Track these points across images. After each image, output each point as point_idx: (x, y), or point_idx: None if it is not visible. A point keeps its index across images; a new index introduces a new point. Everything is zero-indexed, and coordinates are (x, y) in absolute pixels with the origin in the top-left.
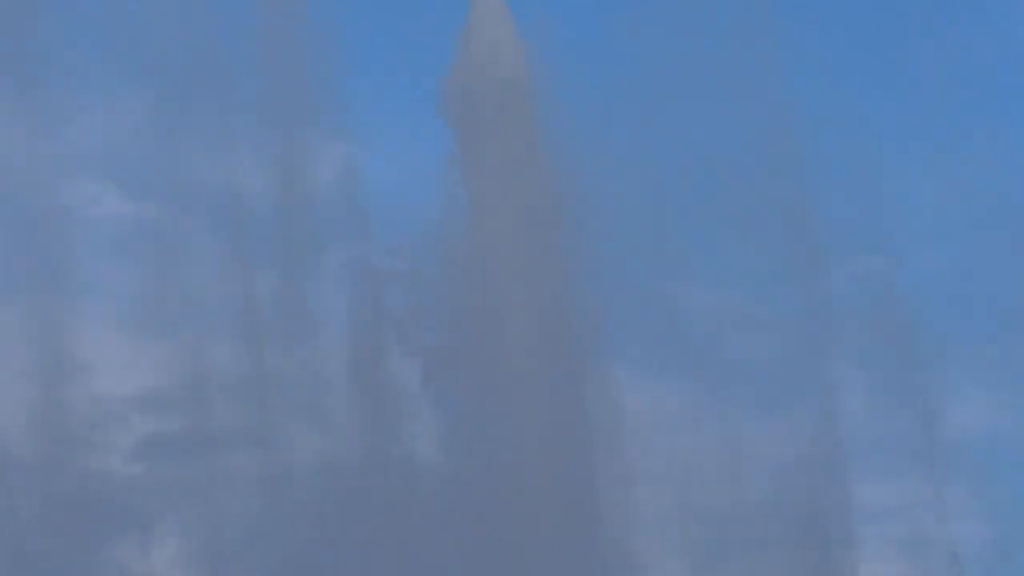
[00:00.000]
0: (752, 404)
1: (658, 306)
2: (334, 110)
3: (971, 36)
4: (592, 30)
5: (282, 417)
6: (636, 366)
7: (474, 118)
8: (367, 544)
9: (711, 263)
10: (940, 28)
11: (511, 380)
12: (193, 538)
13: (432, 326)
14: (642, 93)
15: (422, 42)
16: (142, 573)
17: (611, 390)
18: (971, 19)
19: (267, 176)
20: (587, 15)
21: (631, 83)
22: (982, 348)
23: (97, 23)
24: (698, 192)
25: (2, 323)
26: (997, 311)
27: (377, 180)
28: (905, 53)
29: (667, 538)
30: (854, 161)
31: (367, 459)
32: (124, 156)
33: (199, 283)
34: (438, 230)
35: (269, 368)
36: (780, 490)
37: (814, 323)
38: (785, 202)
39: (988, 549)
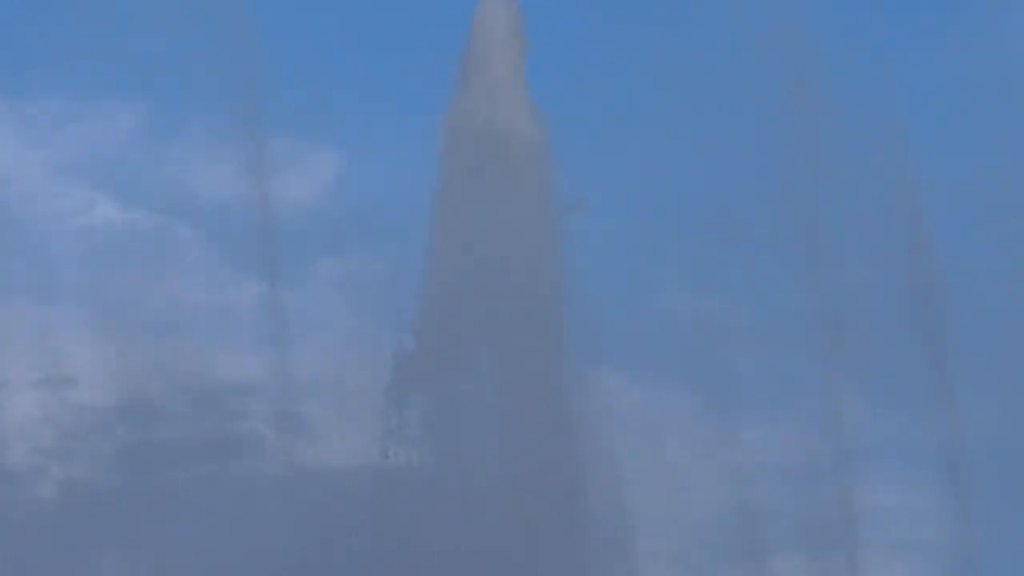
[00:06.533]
0: (752, 409)
1: (653, 312)
2: (326, 118)
3: (1001, 31)
4: (588, 35)
5: (268, 425)
6: (632, 372)
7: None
8: (354, 551)
9: (709, 269)
10: (960, 24)
11: (502, 387)
12: (177, 547)
13: (422, 331)
14: (634, 98)
15: (417, 46)
16: None
17: (604, 395)
18: (999, 15)
19: (257, 184)
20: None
21: (622, 90)
22: (992, 353)
23: (89, 32)
24: (699, 194)
25: None
26: (1010, 316)
27: (368, 187)
28: (918, 54)
29: (663, 543)
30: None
31: (353, 466)
32: (116, 165)
33: (189, 292)
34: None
35: (256, 377)
36: (781, 494)
37: (816, 328)
38: (788, 207)
39: (994, 553)
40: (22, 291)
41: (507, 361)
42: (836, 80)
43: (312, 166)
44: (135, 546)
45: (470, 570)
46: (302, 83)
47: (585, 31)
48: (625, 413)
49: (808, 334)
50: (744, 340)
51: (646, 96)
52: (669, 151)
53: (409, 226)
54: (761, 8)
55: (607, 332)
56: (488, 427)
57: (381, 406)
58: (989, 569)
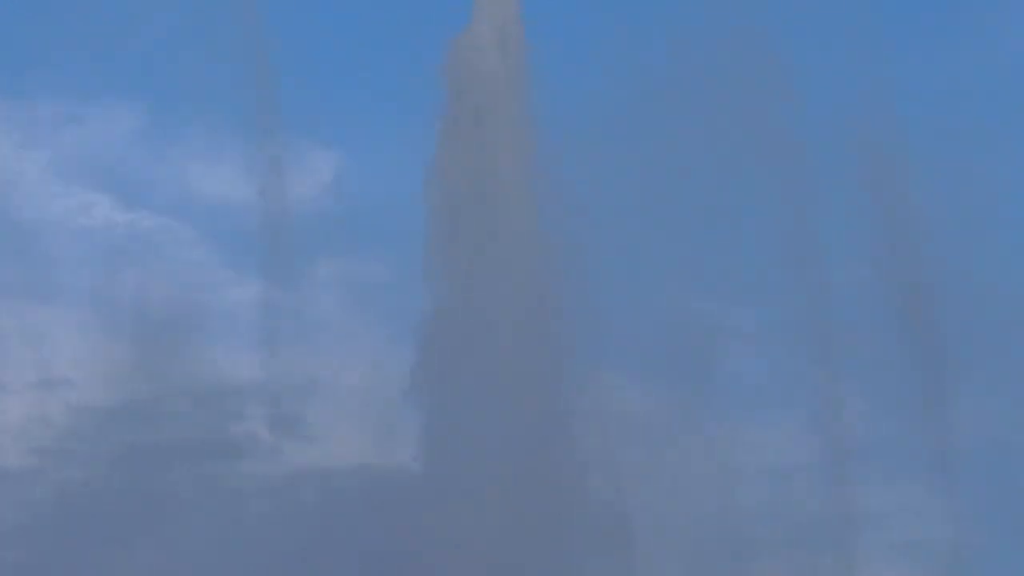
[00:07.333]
0: (748, 409)
1: (651, 313)
2: (326, 118)
3: (1001, 31)
4: (586, 39)
5: (266, 426)
6: (631, 372)
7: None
8: (353, 551)
9: (706, 271)
10: (952, 27)
11: (501, 387)
12: (176, 548)
13: (420, 331)
14: (634, 98)
15: (412, 50)
16: None
17: (603, 395)
18: (992, 18)
19: (257, 186)
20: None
21: (624, 90)
22: (986, 354)
23: (89, 34)
24: (696, 196)
25: None
26: (1004, 317)
27: (368, 187)
28: (917, 55)
29: (661, 543)
30: (855, 166)
31: (352, 467)
32: (116, 165)
33: (189, 292)
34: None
35: (255, 377)
36: (777, 494)
37: (813, 329)
38: (785, 208)
39: (989, 555)
40: (21, 291)
41: (507, 361)
42: (835, 80)
43: (312, 166)
44: (133, 546)
45: (469, 570)
46: (302, 83)
47: (584, 34)
48: (624, 413)
49: (804, 335)
50: (741, 341)
51: (643, 98)
52: (667, 154)
53: (409, 226)
54: (759, 9)
55: (606, 333)
56: (488, 428)
57: (380, 406)
58: (983, 569)
